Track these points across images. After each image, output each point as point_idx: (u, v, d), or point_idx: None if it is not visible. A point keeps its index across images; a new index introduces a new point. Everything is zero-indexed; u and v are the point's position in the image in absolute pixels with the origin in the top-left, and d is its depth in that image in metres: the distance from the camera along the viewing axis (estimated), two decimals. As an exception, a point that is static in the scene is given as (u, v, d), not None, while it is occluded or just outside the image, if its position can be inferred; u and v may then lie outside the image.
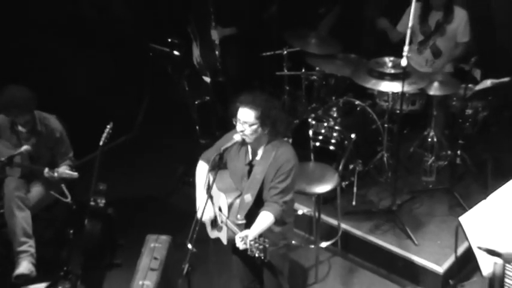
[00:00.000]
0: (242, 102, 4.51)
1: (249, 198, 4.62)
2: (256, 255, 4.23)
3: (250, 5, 7.47)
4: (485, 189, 5.70)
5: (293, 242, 5.50)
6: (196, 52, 7.65)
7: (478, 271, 4.73)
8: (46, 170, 5.79)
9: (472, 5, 7.06)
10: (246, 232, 4.42)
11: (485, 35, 7.07)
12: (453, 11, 6.84)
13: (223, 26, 7.39)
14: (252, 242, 4.24)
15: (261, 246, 4.22)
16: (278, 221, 4.59)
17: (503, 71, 6.53)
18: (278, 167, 4.56)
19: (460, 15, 6.85)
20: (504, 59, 6.98)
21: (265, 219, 4.51)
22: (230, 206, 4.65)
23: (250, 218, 4.57)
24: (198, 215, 4.59)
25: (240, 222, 4.57)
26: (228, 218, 4.63)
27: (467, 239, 4.74)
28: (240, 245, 4.37)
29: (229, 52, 7.54)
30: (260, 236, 4.35)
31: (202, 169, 4.88)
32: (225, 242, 4.77)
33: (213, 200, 4.81)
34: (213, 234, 4.93)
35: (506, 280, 4.28)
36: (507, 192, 4.99)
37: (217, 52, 7.50)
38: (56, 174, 5.79)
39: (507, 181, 5.03)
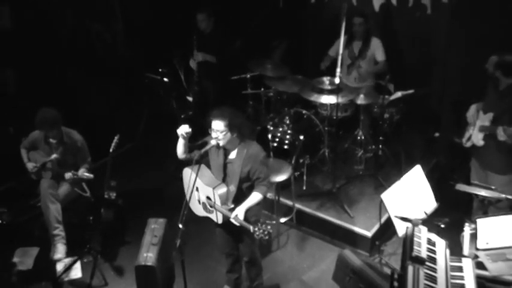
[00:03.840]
0: (213, 115, 4.57)
1: (233, 188, 4.68)
2: (262, 237, 4.35)
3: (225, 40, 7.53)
4: (400, 172, 5.71)
5: (261, 219, 5.56)
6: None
7: (395, 233, 4.90)
8: (66, 175, 5.81)
9: (385, 35, 7.14)
10: (236, 212, 4.53)
11: (395, 58, 7.15)
12: (370, 40, 6.90)
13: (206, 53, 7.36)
14: (260, 231, 4.34)
15: (265, 232, 4.34)
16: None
17: (410, 85, 6.62)
18: (253, 160, 4.62)
19: (375, 42, 6.90)
20: (410, 76, 7.04)
21: (254, 197, 4.63)
22: (222, 196, 4.66)
23: (235, 202, 4.67)
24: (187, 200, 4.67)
25: (231, 207, 4.65)
26: (220, 204, 4.64)
27: (387, 210, 4.90)
28: (234, 223, 4.54)
29: (210, 76, 7.47)
30: (262, 224, 4.42)
31: (186, 172, 4.94)
32: (220, 221, 4.78)
33: (199, 190, 4.83)
34: (201, 213, 4.95)
35: (415, 238, 4.40)
36: (414, 175, 5.16)
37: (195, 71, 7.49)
38: (73, 176, 5.80)
39: (414, 166, 5.23)
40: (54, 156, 5.78)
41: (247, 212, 4.63)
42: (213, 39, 7.28)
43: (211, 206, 4.77)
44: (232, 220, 4.56)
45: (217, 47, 7.26)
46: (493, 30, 6.13)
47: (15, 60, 7.13)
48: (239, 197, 4.69)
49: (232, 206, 4.67)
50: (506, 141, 5.21)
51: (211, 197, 4.71)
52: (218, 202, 4.67)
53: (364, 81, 7.03)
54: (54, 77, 7.47)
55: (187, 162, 4.78)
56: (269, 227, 4.40)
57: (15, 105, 6.85)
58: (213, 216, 4.83)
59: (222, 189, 4.67)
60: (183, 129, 4.61)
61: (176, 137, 4.68)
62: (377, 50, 6.92)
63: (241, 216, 4.53)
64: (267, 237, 4.37)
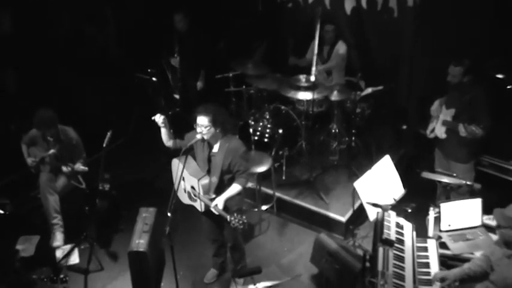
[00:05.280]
0: (198, 112, 4.58)
1: (215, 179, 4.70)
2: (238, 226, 4.38)
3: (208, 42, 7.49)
4: (371, 162, 5.73)
5: (243, 207, 5.59)
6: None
7: (367, 218, 4.94)
8: (63, 168, 5.82)
9: (356, 36, 7.17)
10: (215, 202, 4.56)
11: (366, 57, 7.20)
12: (336, 44, 6.88)
13: (187, 58, 7.31)
14: (236, 221, 4.36)
15: (241, 221, 4.36)
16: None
17: (379, 81, 6.70)
18: (233, 154, 4.63)
19: (340, 45, 6.90)
20: (379, 74, 7.04)
21: (233, 188, 4.66)
22: (204, 186, 4.68)
23: (217, 192, 4.70)
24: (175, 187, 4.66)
25: (212, 197, 4.68)
26: (203, 194, 4.66)
27: (359, 197, 4.94)
28: (214, 211, 4.58)
29: (191, 73, 7.44)
30: (239, 214, 4.44)
31: (174, 162, 4.96)
32: (202, 209, 4.79)
33: (184, 180, 4.84)
34: (187, 201, 4.97)
35: (385, 222, 4.46)
36: (383, 164, 5.22)
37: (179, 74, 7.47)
38: (69, 169, 5.82)
39: (383, 156, 5.28)
40: (51, 151, 5.75)
41: (230, 201, 4.66)
42: (189, 38, 7.23)
43: (195, 195, 4.79)
44: (212, 209, 4.59)
45: (194, 46, 7.21)
46: (455, 32, 6.18)
47: (15, 61, 7.06)
48: (221, 188, 4.72)
49: (214, 196, 4.69)
50: (467, 136, 5.30)
51: (196, 187, 4.73)
52: (201, 192, 4.69)
53: (332, 80, 7.03)
54: (51, 77, 7.42)
55: (174, 154, 4.76)
56: (244, 216, 4.41)
57: (15, 104, 6.80)
58: (196, 205, 4.85)
59: (205, 180, 4.70)
60: (157, 118, 4.70)
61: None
62: (340, 47, 6.90)
63: (220, 206, 4.57)
64: (241, 227, 4.38)
